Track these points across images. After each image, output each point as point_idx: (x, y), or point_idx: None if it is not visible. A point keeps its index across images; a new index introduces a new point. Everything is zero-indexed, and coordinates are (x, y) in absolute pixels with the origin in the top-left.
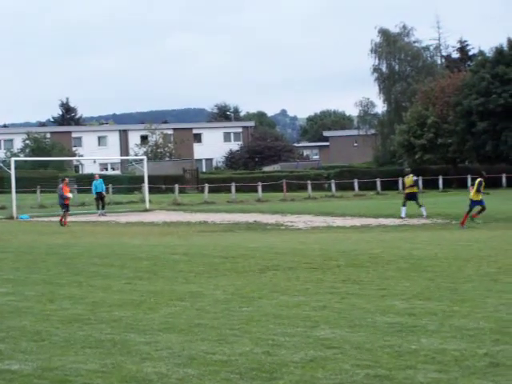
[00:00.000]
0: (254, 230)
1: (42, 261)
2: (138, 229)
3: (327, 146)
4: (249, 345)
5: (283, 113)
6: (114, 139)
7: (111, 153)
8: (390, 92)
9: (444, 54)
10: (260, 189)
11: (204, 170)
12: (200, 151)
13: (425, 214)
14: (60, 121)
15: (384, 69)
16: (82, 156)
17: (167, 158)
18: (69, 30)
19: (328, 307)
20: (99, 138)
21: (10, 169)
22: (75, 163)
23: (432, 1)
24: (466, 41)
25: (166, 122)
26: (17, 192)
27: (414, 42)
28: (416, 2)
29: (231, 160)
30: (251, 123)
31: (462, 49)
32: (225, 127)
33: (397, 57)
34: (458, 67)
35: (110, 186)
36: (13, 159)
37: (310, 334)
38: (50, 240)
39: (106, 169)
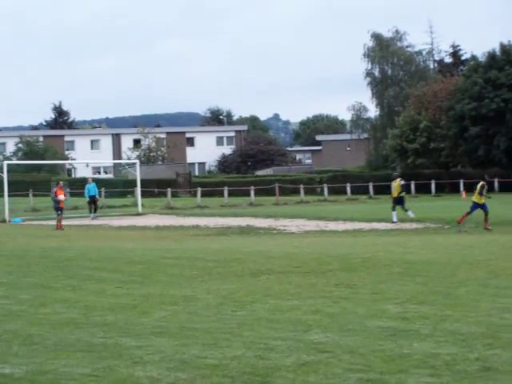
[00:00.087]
0: (247, 234)
1: (35, 264)
2: (130, 233)
3: (320, 150)
4: (241, 349)
5: (276, 117)
6: (106, 143)
7: (104, 156)
8: (382, 96)
9: (437, 58)
10: (253, 193)
11: (197, 173)
12: (193, 155)
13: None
14: (53, 124)
15: (377, 73)
16: (74, 160)
17: (160, 162)
18: (62, 34)
19: (321, 311)
20: (92, 141)
21: (2, 172)
22: (68, 167)
23: (425, 6)
24: (458, 45)
25: (158, 126)
26: (9, 195)
27: (407, 46)
28: (409, 7)
29: (224, 164)
30: (244, 127)
31: (455, 53)
32: (217, 131)
33: (389, 61)
34: (450, 72)
35: (103, 189)
36: (5, 163)
37: (302, 338)
38: (43, 243)
39: (99, 172)
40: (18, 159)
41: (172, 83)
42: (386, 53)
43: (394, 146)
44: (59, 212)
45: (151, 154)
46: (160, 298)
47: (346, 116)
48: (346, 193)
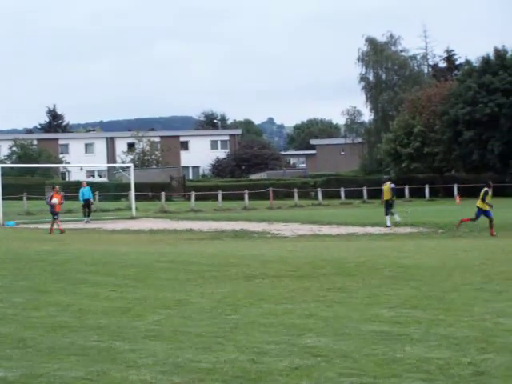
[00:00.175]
0: (241, 237)
1: (28, 268)
2: (124, 236)
3: (314, 154)
4: (234, 353)
5: (270, 121)
6: (100, 146)
7: (98, 160)
8: (376, 101)
9: (431, 63)
10: (247, 197)
11: (191, 177)
12: (187, 159)
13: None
14: (47, 128)
15: (371, 77)
16: (68, 163)
17: (154, 166)
18: (57, 37)
19: (314, 315)
20: (86, 145)
21: None
22: (62, 170)
23: (419, 10)
24: (452, 50)
25: (153, 130)
26: (3, 199)
27: (401, 50)
28: (403, 12)
29: (218, 168)
30: (238, 131)
31: (449, 58)
32: (212, 135)
33: (384, 66)
34: (444, 76)
35: (97, 193)
36: None
37: (295, 342)
38: (36, 247)
39: (93, 176)
40: (12, 162)
41: (166, 87)
42: (380, 57)
43: (388, 150)
44: (55, 216)
45: (145, 158)
46: (154, 301)
47: (340, 120)
48: (339, 197)
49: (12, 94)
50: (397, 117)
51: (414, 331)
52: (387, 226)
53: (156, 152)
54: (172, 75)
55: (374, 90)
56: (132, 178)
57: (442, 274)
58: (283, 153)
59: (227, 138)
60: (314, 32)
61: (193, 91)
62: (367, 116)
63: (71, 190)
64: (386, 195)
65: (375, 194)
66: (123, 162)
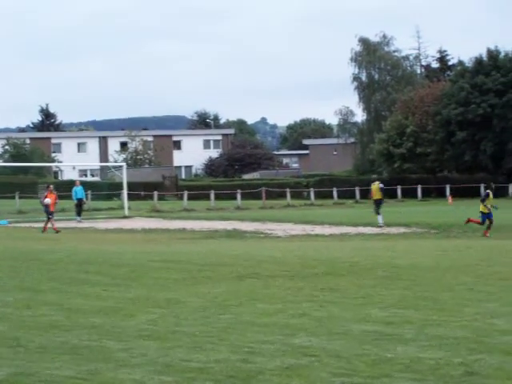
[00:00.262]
0: (233, 237)
1: (20, 267)
2: (116, 236)
3: (307, 154)
4: (225, 352)
5: (263, 121)
6: (93, 145)
7: (91, 159)
8: (369, 101)
9: (424, 63)
10: (239, 196)
11: (183, 177)
12: (180, 158)
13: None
14: (40, 127)
15: (364, 78)
16: (61, 162)
17: (147, 165)
18: (49, 36)
19: (306, 315)
20: (79, 144)
21: None
22: (54, 169)
23: (412, 11)
24: (445, 51)
25: (145, 129)
26: None
27: (394, 51)
28: (396, 12)
29: (211, 167)
30: (231, 131)
31: (442, 58)
32: (204, 134)
33: (376, 66)
34: (437, 77)
35: (90, 192)
36: None
37: (287, 342)
38: (28, 246)
39: (86, 175)
40: (5, 161)
41: (159, 86)
42: (373, 57)
43: (380, 150)
44: (50, 216)
45: (138, 157)
46: (146, 301)
47: (332, 120)
48: (332, 197)
49: (4, 93)
50: (389, 117)
51: (406, 331)
52: (379, 226)
53: (149, 151)
54: (165, 75)
55: (366, 90)
56: (124, 178)
57: (435, 274)
58: (276, 153)
59: (220, 137)
60: (306, 32)
61: (186, 91)
62: (360, 116)
63: (64, 189)
64: (376, 195)
65: (368, 194)
66: (116, 162)
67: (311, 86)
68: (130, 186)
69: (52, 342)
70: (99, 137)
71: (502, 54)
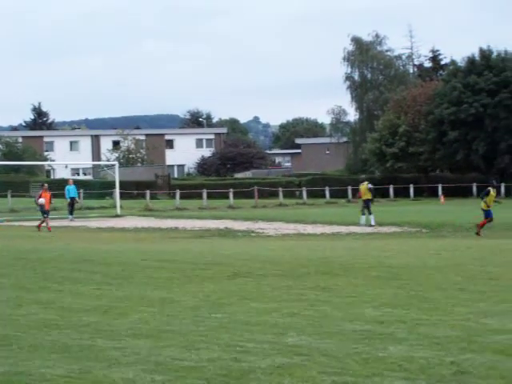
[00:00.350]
0: (225, 236)
1: (11, 265)
2: (109, 234)
3: (299, 153)
4: (217, 351)
5: (256, 120)
6: (85, 144)
7: (83, 158)
8: (362, 100)
9: (416, 63)
10: (232, 195)
11: (176, 176)
12: (172, 157)
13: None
14: (32, 125)
15: (356, 77)
16: (53, 161)
17: (139, 164)
18: (42, 35)
19: (297, 314)
20: (71, 142)
21: None
22: (47, 168)
23: (405, 10)
24: (438, 50)
25: (138, 128)
26: None
27: (387, 50)
28: (389, 12)
29: (203, 166)
30: (224, 130)
31: (434, 58)
32: (197, 133)
33: (369, 65)
34: (429, 76)
35: (82, 191)
36: None
37: (278, 341)
38: (19, 244)
39: (78, 174)
40: None
41: (152, 85)
42: (365, 57)
43: (373, 149)
44: (45, 215)
45: (130, 156)
46: (138, 300)
47: (325, 119)
48: (324, 196)
49: None
50: (382, 116)
51: (396, 331)
52: (371, 225)
53: (141, 150)
54: (158, 73)
55: (359, 90)
56: (117, 176)
57: (426, 273)
58: (268, 152)
59: (212, 136)
60: (300, 31)
61: (178, 89)
62: (352, 115)
63: (56, 187)
64: (366, 195)
65: (356, 193)
66: (108, 160)
67: (304, 85)
68: (123, 184)
69: (44, 341)
70: (91, 135)
71: (495, 54)
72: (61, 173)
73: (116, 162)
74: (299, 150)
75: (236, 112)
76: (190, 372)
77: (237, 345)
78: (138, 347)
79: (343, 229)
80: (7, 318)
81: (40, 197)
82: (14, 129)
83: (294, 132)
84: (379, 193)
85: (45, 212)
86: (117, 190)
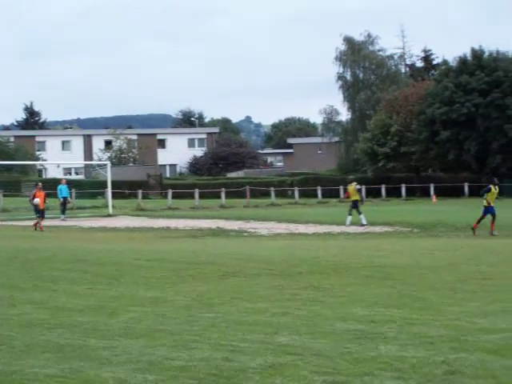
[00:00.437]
0: (217, 236)
1: (3, 265)
2: (101, 234)
3: (291, 153)
4: (208, 350)
5: (248, 119)
6: (77, 144)
7: (75, 157)
8: (354, 100)
9: (408, 62)
10: (224, 195)
11: (168, 175)
12: (164, 157)
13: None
14: (24, 125)
15: (348, 77)
16: (45, 160)
17: (131, 164)
18: (34, 33)
19: (289, 314)
20: (63, 142)
21: None
22: (39, 167)
23: (397, 10)
24: (430, 50)
25: (130, 128)
26: None
27: (379, 50)
28: (381, 12)
29: (195, 166)
30: (216, 129)
31: (426, 58)
32: (189, 133)
33: (361, 65)
34: (421, 76)
35: (74, 190)
36: None
37: (270, 341)
38: (12, 244)
39: (70, 173)
40: None
41: (144, 85)
42: (357, 56)
43: (365, 149)
44: (39, 215)
45: (122, 156)
46: (129, 299)
47: (317, 119)
48: (316, 196)
49: None
50: (374, 116)
51: (388, 330)
52: (363, 225)
53: (133, 150)
54: (150, 73)
55: (351, 90)
56: (109, 176)
57: (418, 273)
58: (260, 151)
59: (204, 136)
60: (292, 31)
61: (171, 89)
62: (344, 115)
63: (48, 187)
64: (354, 195)
65: (343, 194)
66: (100, 160)
67: (296, 84)
68: (115, 184)
69: (36, 341)
70: (84, 135)
71: (486, 54)
72: (53, 172)
73: (108, 162)
74: (291, 150)
75: (228, 112)
76: (182, 371)
77: (229, 344)
78: (130, 347)
79: (335, 228)
80: (0, 317)
81: (34, 196)
82: (6, 128)
83: (286, 132)
84: (371, 193)
85: (39, 212)
86: (109, 190)
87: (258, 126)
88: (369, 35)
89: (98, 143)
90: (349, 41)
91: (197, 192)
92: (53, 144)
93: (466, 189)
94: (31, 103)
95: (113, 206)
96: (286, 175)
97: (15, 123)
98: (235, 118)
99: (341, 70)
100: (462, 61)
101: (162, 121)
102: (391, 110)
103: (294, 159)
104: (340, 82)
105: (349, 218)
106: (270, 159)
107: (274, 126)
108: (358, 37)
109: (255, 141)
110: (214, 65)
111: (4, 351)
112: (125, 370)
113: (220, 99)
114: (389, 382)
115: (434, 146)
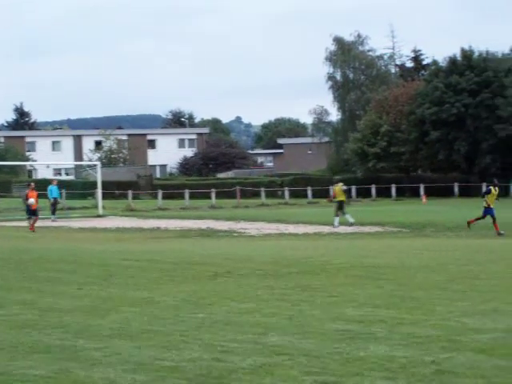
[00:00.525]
0: (207, 236)
1: None
2: (91, 234)
3: (281, 153)
4: (198, 351)
5: (238, 120)
6: (67, 144)
7: (65, 158)
8: (344, 100)
9: (398, 62)
10: (214, 195)
11: (158, 176)
12: (154, 157)
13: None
14: (14, 125)
15: (338, 77)
16: (35, 161)
17: (121, 164)
18: (23, 33)
19: (279, 314)
20: (53, 142)
21: None
22: (29, 168)
23: (387, 10)
24: (419, 50)
25: (120, 128)
26: None
27: (369, 50)
28: (371, 12)
29: (185, 166)
30: (206, 130)
31: (416, 58)
32: (179, 133)
33: (351, 65)
34: (411, 76)
35: (64, 191)
36: None
37: (259, 341)
38: (1, 245)
39: (60, 174)
40: None
41: (134, 85)
42: (347, 57)
43: (355, 149)
44: (31, 216)
45: (112, 156)
46: (118, 300)
47: (307, 119)
48: (306, 196)
49: None
50: (364, 116)
51: (378, 330)
52: (351, 224)
53: (123, 150)
54: (140, 73)
55: (341, 90)
56: (99, 176)
57: (408, 273)
58: (250, 152)
59: (195, 136)
60: (282, 31)
61: (161, 90)
62: (334, 115)
63: (38, 187)
64: (340, 196)
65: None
66: (90, 160)
67: (286, 85)
68: (105, 184)
69: (24, 341)
70: (74, 135)
71: (476, 54)
72: (43, 173)
73: (98, 162)
74: (281, 150)
75: (218, 112)
76: (171, 372)
77: (218, 345)
78: (119, 347)
79: (325, 229)
80: None
81: (27, 196)
82: None
83: (276, 132)
84: (361, 193)
85: (31, 212)
86: (99, 190)
87: (248, 126)
88: (359, 35)
89: (88, 144)
90: (339, 41)
91: (187, 192)
92: (43, 144)
93: (456, 189)
94: (21, 104)
95: (103, 207)
96: (276, 175)
97: (5, 124)
98: (225, 119)
99: (331, 70)
100: (452, 61)
101: (152, 121)
102: (381, 110)
103: (284, 159)
104: (330, 82)
105: (336, 219)
106: (260, 159)
107: (264, 127)
108: (348, 37)
109: (245, 141)
110: (204, 65)
111: None
112: (114, 370)
113: (210, 99)
114: (379, 382)
115: (423, 147)
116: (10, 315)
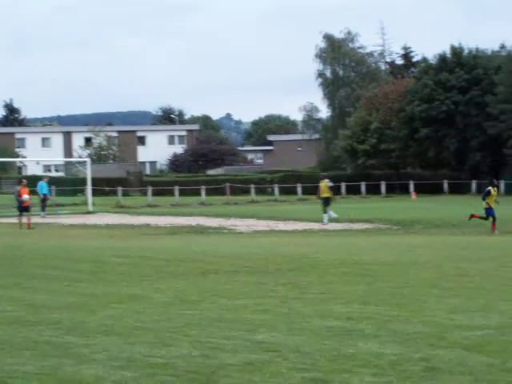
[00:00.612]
0: (197, 233)
1: None
2: (80, 231)
3: (271, 150)
4: (187, 348)
5: (228, 116)
6: (57, 141)
7: (55, 154)
8: (334, 97)
9: (388, 60)
10: (204, 192)
11: (148, 172)
12: (144, 154)
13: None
14: (3, 122)
15: (328, 74)
16: (25, 157)
17: (111, 161)
18: (13, 29)
19: (268, 311)
20: (43, 139)
21: None
22: (18, 164)
23: (377, 7)
24: (409, 47)
25: (110, 125)
26: None
27: (359, 47)
28: (361, 9)
29: (175, 163)
30: (196, 126)
31: (406, 55)
32: (169, 130)
33: (341, 62)
34: (401, 73)
35: (54, 187)
36: None
37: (248, 338)
38: None
39: (50, 170)
40: None
41: (124, 82)
42: (337, 54)
43: (344, 146)
44: (23, 212)
45: (102, 153)
46: (108, 296)
47: (297, 116)
48: (296, 193)
49: None
50: (354, 113)
51: (366, 327)
52: (324, 223)
53: (113, 147)
54: (130, 70)
55: (331, 87)
56: (89, 173)
57: (397, 270)
58: (240, 148)
59: (184, 133)
60: (272, 28)
61: (151, 86)
62: (324, 112)
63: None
64: (326, 193)
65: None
66: (80, 157)
67: (276, 81)
68: (94, 181)
69: (14, 338)
70: (63, 132)
71: (466, 51)
72: (32, 169)
73: (88, 159)
74: (271, 147)
75: (208, 109)
76: (161, 368)
77: (207, 341)
78: (108, 344)
79: (315, 225)
80: None
81: (20, 193)
82: None
83: (266, 129)
84: (351, 190)
85: (22, 209)
86: (89, 187)
87: (239, 123)
88: (349, 32)
89: (77, 140)
90: (329, 38)
91: (177, 189)
92: (33, 141)
93: (446, 186)
94: (11, 100)
95: (93, 204)
96: (266, 172)
97: None
98: (215, 115)
99: (321, 67)
100: (442, 58)
101: (142, 118)
102: (371, 107)
103: (274, 156)
104: (320, 79)
105: (325, 216)
106: (250, 156)
107: (254, 123)
108: (338, 34)
109: (235, 138)
110: (194, 62)
111: None
112: (104, 366)
113: (200, 96)
114: (367, 379)
115: (413, 144)
116: (2, 311)
